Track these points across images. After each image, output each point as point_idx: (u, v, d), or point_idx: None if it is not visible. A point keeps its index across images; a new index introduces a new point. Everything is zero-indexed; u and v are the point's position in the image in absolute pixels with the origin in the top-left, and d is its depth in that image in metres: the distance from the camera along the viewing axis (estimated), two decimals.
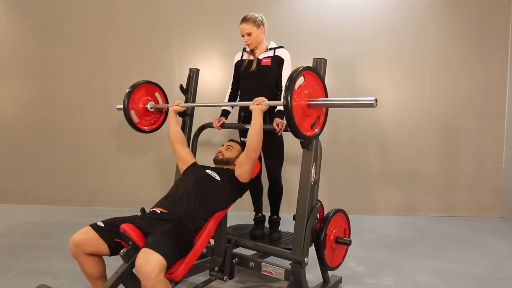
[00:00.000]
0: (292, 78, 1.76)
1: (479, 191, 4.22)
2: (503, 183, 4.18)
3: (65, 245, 2.84)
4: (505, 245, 3.30)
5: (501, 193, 4.20)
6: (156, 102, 2.73)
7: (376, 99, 1.70)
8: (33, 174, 4.51)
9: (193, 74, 2.80)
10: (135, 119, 2.63)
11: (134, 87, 2.60)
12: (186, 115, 2.73)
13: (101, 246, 1.84)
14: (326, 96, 1.98)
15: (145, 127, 2.71)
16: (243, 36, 2.61)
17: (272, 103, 2.13)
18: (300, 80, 1.84)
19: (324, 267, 2.31)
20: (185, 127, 2.75)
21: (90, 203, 4.47)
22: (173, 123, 2.52)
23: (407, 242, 3.35)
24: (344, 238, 2.38)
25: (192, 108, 2.79)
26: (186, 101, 2.78)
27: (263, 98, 2.13)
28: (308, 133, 1.89)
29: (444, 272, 2.71)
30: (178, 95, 2.89)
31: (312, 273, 2.54)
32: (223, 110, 2.77)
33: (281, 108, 2.52)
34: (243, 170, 2.19)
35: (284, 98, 1.73)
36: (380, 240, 3.42)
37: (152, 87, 2.72)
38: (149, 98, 2.70)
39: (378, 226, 3.85)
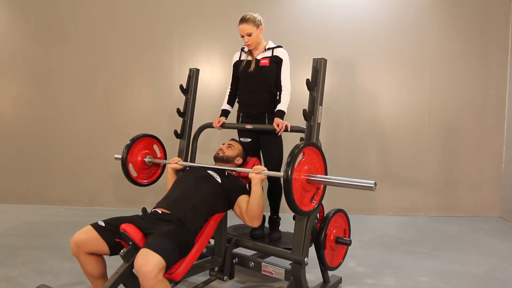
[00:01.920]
0: (294, 155, 1.77)
1: (479, 191, 4.22)
2: (503, 183, 4.18)
3: (65, 245, 2.85)
4: (505, 245, 3.30)
5: (501, 193, 4.21)
6: (154, 155, 2.70)
7: (375, 183, 1.71)
8: (33, 174, 4.51)
9: (193, 74, 2.80)
10: (133, 173, 2.59)
11: (134, 140, 2.56)
12: (187, 115, 2.73)
13: (102, 245, 1.84)
14: (326, 171, 1.98)
15: (145, 181, 2.67)
16: (242, 36, 2.61)
17: (272, 173, 2.08)
18: (301, 156, 1.84)
19: (324, 267, 2.31)
20: (185, 127, 2.75)
21: (90, 203, 4.47)
22: (172, 180, 2.45)
23: (407, 242, 3.36)
24: (344, 238, 2.38)
25: (193, 108, 2.79)
26: (186, 102, 2.78)
27: (263, 167, 2.10)
28: (306, 208, 1.90)
29: (444, 272, 2.71)
30: (178, 95, 2.89)
31: (312, 273, 2.54)
32: (223, 110, 2.77)
33: (281, 108, 2.52)
34: (238, 216, 2.18)
35: (284, 172, 1.74)
36: (380, 240, 3.42)
37: (150, 140, 2.68)
38: (147, 151, 2.65)
39: (378, 226, 3.85)
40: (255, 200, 2.07)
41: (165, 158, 2.75)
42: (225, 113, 2.76)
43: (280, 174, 1.80)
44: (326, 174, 2.00)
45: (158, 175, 2.75)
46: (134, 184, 2.62)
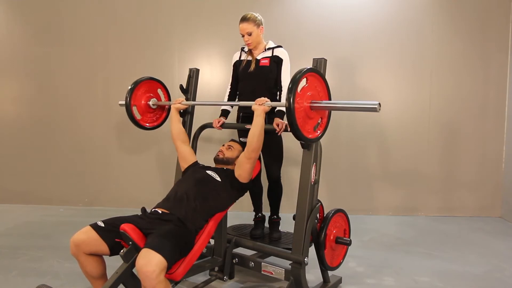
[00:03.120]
0: (295, 80, 1.75)
1: (479, 191, 4.22)
2: (503, 183, 4.18)
3: (65, 245, 2.84)
4: (505, 245, 3.30)
5: (501, 193, 4.21)
6: (159, 98, 2.72)
7: (379, 104, 1.70)
8: (33, 174, 4.51)
9: (193, 74, 2.80)
10: (137, 115, 2.62)
11: (137, 84, 2.58)
12: (187, 114, 2.73)
13: (101, 246, 1.84)
14: (330, 99, 1.97)
15: (147, 124, 2.69)
16: (243, 36, 2.61)
17: (275, 104, 2.13)
18: (303, 82, 1.83)
19: (324, 267, 2.31)
20: (185, 127, 2.74)
21: (90, 203, 4.47)
22: (175, 121, 2.51)
23: (407, 242, 3.36)
24: (344, 238, 2.38)
25: (193, 108, 2.79)
26: (187, 101, 2.78)
27: (266, 99, 2.13)
28: (310, 136, 1.89)
29: (444, 272, 2.71)
30: (178, 95, 2.89)
31: (312, 273, 2.54)
32: (223, 110, 2.77)
33: (281, 108, 2.52)
34: (242, 170, 2.20)
35: (286, 99, 1.72)
36: (380, 240, 3.42)
37: (154, 83, 2.70)
38: (151, 95, 2.68)
39: (378, 226, 3.85)
40: (256, 130, 2.11)
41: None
42: (225, 113, 2.76)
43: (283, 103, 1.79)
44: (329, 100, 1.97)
45: (163, 119, 2.78)
46: (138, 127, 2.64)
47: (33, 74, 4.47)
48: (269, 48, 2.65)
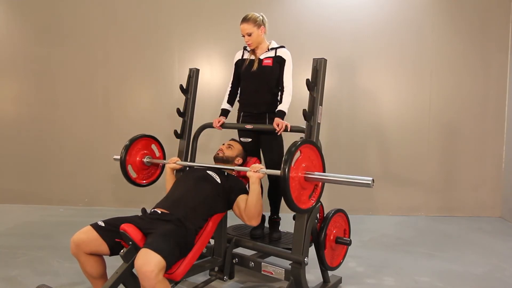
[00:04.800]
0: (290, 153, 1.77)
1: (479, 191, 4.22)
2: (503, 183, 4.18)
3: (65, 245, 2.84)
4: (505, 245, 3.30)
5: (501, 193, 4.21)
6: (153, 155, 2.69)
7: (373, 180, 1.71)
8: (33, 174, 4.51)
9: (193, 74, 2.80)
10: (132, 174, 2.59)
11: (132, 141, 2.56)
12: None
13: (102, 246, 1.84)
14: (324, 169, 1.98)
15: (144, 181, 2.67)
16: (243, 36, 2.60)
17: (270, 172, 2.08)
18: (298, 154, 1.84)
19: (324, 267, 2.31)
20: (185, 127, 2.75)
21: (90, 203, 4.47)
22: (171, 180, 2.46)
23: (407, 242, 3.35)
24: (344, 238, 2.38)
25: (193, 108, 2.79)
26: (186, 101, 2.78)
27: (261, 166, 2.11)
28: (304, 206, 1.89)
29: (444, 272, 2.71)
30: (178, 95, 2.89)
31: (312, 273, 2.54)
32: (223, 110, 2.76)
33: (281, 108, 2.52)
34: (237, 215, 2.18)
35: (281, 170, 1.74)
36: (380, 240, 3.42)
37: (149, 140, 2.68)
38: (146, 152, 2.65)
39: (378, 226, 3.85)
40: (253, 198, 2.07)
41: (164, 158, 2.75)
42: (225, 112, 2.75)
43: (278, 172, 1.79)
44: (324, 172, 1.99)
45: (157, 175, 2.75)
46: (134, 184, 2.62)
47: (33, 74, 4.46)
48: (272, 48, 2.64)
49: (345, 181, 1.84)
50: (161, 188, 2.52)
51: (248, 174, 2.09)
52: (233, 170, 2.32)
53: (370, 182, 1.72)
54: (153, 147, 2.72)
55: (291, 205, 1.80)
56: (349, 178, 1.83)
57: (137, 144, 2.60)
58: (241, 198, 2.16)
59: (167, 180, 2.48)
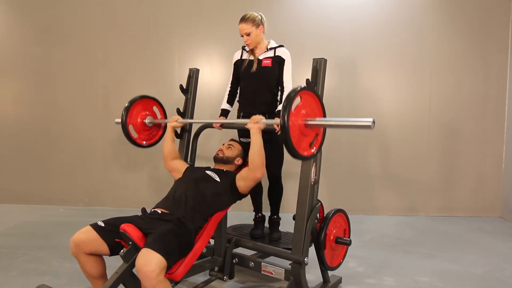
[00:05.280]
0: (289, 99, 1.75)
1: (479, 191, 4.22)
2: (503, 183, 4.18)
3: (65, 245, 2.84)
4: (505, 245, 3.30)
5: (501, 193, 4.21)
6: (154, 116, 2.71)
7: (373, 121, 1.70)
8: (33, 174, 4.51)
9: (193, 74, 2.80)
10: (134, 134, 2.61)
11: (132, 102, 2.57)
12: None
13: (101, 246, 1.84)
14: (324, 115, 1.96)
15: (144, 142, 2.69)
16: (242, 36, 2.60)
17: (270, 121, 2.11)
18: (298, 100, 1.82)
19: (324, 267, 2.31)
20: (185, 127, 2.75)
21: (90, 203, 4.47)
22: (169, 140, 2.49)
23: (407, 242, 3.35)
24: (344, 238, 2.38)
25: (192, 108, 2.79)
26: (186, 101, 2.78)
27: (261, 116, 2.11)
28: (306, 153, 1.87)
29: (444, 272, 2.71)
30: (178, 95, 2.89)
31: (312, 273, 2.54)
32: (222, 110, 2.76)
33: (281, 108, 2.52)
34: (245, 186, 2.17)
35: (281, 117, 1.72)
36: (380, 240, 3.42)
37: (150, 101, 2.69)
38: (147, 112, 2.66)
39: (378, 226, 3.85)
40: (255, 149, 2.08)
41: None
42: (224, 112, 2.75)
43: (277, 121, 1.78)
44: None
45: (159, 136, 2.77)
46: (135, 145, 2.64)
47: (33, 74, 4.47)
48: (271, 48, 2.64)
49: (346, 125, 1.86)
50: (162, 189, 2.52)
51: (248, 126, 2.11)
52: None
53: (370, 123, 1.70)
54: (154, 108, 2.73)
55: (292, 152, 1.77)
56: (349, 121, 1.83)
57: (138, 105, 2.61)
58: (241, 171, 2.20)
59: (165, 139, 2.51)
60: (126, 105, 2.56)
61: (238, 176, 2.19)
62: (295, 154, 1.78)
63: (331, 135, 4.14)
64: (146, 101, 2.67)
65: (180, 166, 2.44)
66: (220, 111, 2.77)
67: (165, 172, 4.33)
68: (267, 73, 2.61)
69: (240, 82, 2.75)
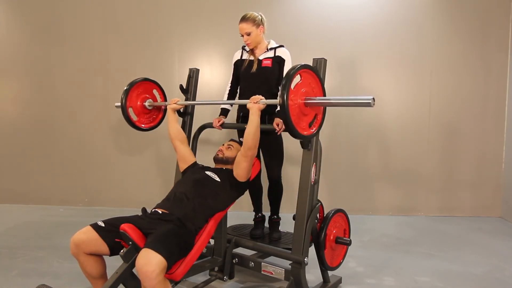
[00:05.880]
0: (289, 76, 1.74)
1: (479, 191, 4.22)
2: (503, 183, 4.18)
3: (65, 245, 2.84)
4: (505, 245, 3.30)
5: (501, 193, 4.20)
6: (154, 99, 2.71)
7: (373, 98, 1.69)
8: (33, 174, 4.51)
9: (193, 74, 2.80)
10: (133, 117, 2.61)
11: (132, 85, 2.57)
12: (186, 114, 2.72)
13: (101, 246, 1.84)
14: (324, 95, 1.95)
15: (143, 125, 2.69)
16: (242, 35, 2.60)
17: (270, 101, 2.11)
18: (297, 79, 1.82)
19: (324, 267, 2.31)
20: (185, 127, 2.74)
21: (90, 203, 4.47)
22: (173, 121, 2.50)
23: (407, 242, 3.35)
24: (344, 238, 2.38)
25: (192, 108, 2.79)
26: (186, 101, 2.78)
27: (261, 97, 2.12)
28: (306, 133, 1.86)
29: (444, 272, 2.71)
30: (178, 95, 2.89)
31: (312, 273, 2.54)
32: (222, 109, 2.76)
33: None
34: (240, 169, 2.19)
35: (280, 96, 1.71)
36: (380, 240, 3.42)
37: (150, 84, 2.69)
38: (147, 95, 2.67)
39: (378, 226, 3.85)
40: (252, 128, 2.09)
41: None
42: (224, 112, 2.75)
43: (277, 101, 1.78)
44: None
45: (159, 119, 2.77)
46: (135, 128, 2.63)
47: (33, 74, 4.47)
48: (271, 48, 2.64)
49: (345, 103, 1.85)
50: (161, 188, 2.52)
51: (248, 105, 2.12)
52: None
53: (370, 101, 1.70)
54: (155, 92, 2.73)
55: (292, 131, 1.77)
56: (349, 99, 1.83)
57: (138, 88, 2.61)
58: (235, 160, 2.23)
59: (169, 122, 2.50)
60: (126, 87, 2.55)
61: (234, 166, 2.23)
62: (294, 133, 1.77)
63: (331, 135, 4.16)
64: (146, 83, 2.67)
65: (187, 156, 2.43)
66: (220, 111, 2.77)
67: (165, 172, 4.35)
68: (267, 73, 2.61)
69: (240, 82, 2.75)
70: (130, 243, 1.79)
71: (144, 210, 2.00)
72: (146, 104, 2.65)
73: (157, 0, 4.29)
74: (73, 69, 4.41)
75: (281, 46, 2.65)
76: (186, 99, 2.78)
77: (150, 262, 1.59)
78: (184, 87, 2.76)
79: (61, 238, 3.31)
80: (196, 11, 4.26)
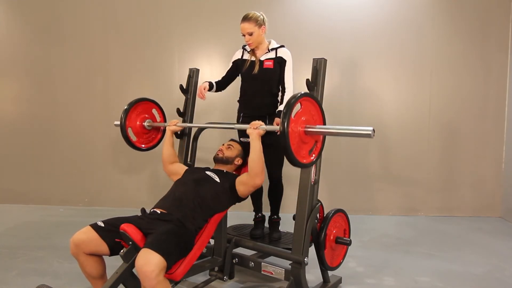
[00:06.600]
0: (289, 105, 1.74)
1: (479, 191, 4.22)
2: (503, 183, 4.18)
3: (65, 245, 2.84)
4: (505, 245, 3.30)
5: (501, 193, 4.20)
6: (154, 119, 2.69)
7: (373, 130, 1.70)
8: (33, 174, 4.51)
9: (193, 74, 2.80)
10: (133, 137, 2.60)
11: (132, 105, 2.56)
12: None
13: (101, 246, 1.84)
14: (324, 123, 1.96)
15: (143, 145, 2.68)
16: (243, 35, 2.58)
17: (269, 127, 2.08)
18: (298, 107, 1.81)
19: (324, 267, 2.31)
20: (185, 128, 2.75)
21: (90, 203, 4.47)
22: (168, 144, 2.49)
23: (407, 242, 3.35)
24: (344, 238, 2.38)
25: (192, 109, 2.79)
26: (186, 101, 2.78)
27: (260, 122, 2.10)
28: (305, 161, 1.87)
29: (444, 272, 2.71)
30: (178, 95, 2.89)
31: (312, 273, 2.54)
32: (209, 82, 2.67)
33: (282, 108, 2.50)
34: (245, 191, 2.16)
35: (280, 124, 1.71)
36: (380, 240, 3.42)
37: (149, 104, 2.68)
38: (146, 115, 2.65)
39: (378, 226, 3.85)
40: (255, 155, 2.06)
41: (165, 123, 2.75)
42: (209, 83, 2.65)
43: (277, 127, 1.78)
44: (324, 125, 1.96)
45: (158, 140, 2.76)
46: (134, 148, 2.63)
47: (33, 74, 4.47)
48: (272, 49, 2.63)
49: (346, 133, 1.84)
50: (162, 189, 2.52)
51: (248, 131, 2.10)
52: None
53: (370, 132, 1.71)
54: (154, 111, 2.72)
55: (291, 159, 1.77)
56: (349, 129, 1.82)
57: (137, 108, 2.60)
58: (241, 176, 2.18)
59: (164, 143, 2.50)
60: (125, 107, 2.54)
61: (237, 181, 2.17)
62: (294, 161, 1.78)
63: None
64: (145, 103, 2.66)
65: (179, 169, 2.43)
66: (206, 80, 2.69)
67: (165, 172, 4.32)
68: (269, 75, 2.60)
69: (241, 82, 2.74)
70: (130, 243, 1.79)
71: (143, 210, 2.00)
72: (145, 124, 2.64)
73: (157, 0, 4.29)
74: (73, 69, 4.41)
75: (282, 46, 2.65)
76: (186, 99, 2.78)
77: (149, 262, 1.59)
78: (184, 87, 2.76)
79: (61, 238, 3.31)
80: (196, 11, 4.26)
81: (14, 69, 4.50)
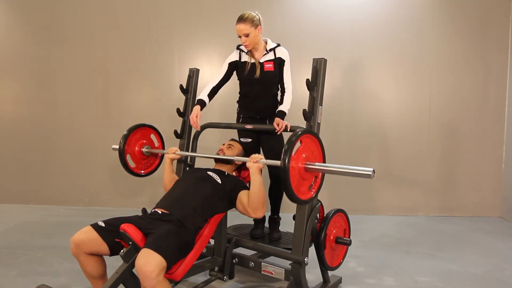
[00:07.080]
0: (290, 143, 1.76)
1: (479, 191, 4.22)
2: (503, 183, 4.18)
3: (65, 245, 2.84)
4: (505, 245, 3.30)
5: (501, 193, 4.20)
6: (152, 145, 2.68)
7: (373, 170, 1.71)
8: (33, 174, 4.51)
9: (193, 74, 2.80)
10: (131, 164, 2.59)
11: (131, 131, 2.55)
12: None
13: (102, 246, 1.84)
14: (324, 160, 1.97)
15: (142, 171, 2.67)
16: (239, 36, 2.56)
17: (270, 162, 2.06)
18: (298, 144, 1.83)
19: (324, 267, 2.32)
20: (185, 127, 2.75)
21: (90, 203, 4.47)
22: (169, 171, 2.46)
23: (407, 242, 3.36)
24: (344, 238, 2.38)
25: (192, 108, 2.78)
26: (186, 102, 2.78)
27: (260, 156, 2.08)
28: (304, 197, 1.88)
29: (444, 272, 2.71)
30: (178, 95, 2.89)
31: (312, 273, 2.54)
32: (200, 100, 2.57)
33: (281, 108, 2.51)
34: (243, 212, 2.14)
35: (282, 161, 1.73)
36: (380, 240, 3.42)
37: (147, 130, 2.67)
38: (145, 141, 2.64)
39: (378, 226, 3.85)
40: (255, 188, 2.04)
41: (163, 148, 2.74)
42: (201, 102, 2.55)
43: (278, 162, 1.79)
44: (324, 162, 1.97)
45: (156, 165, 2.76)
46: (132, 174, 2.62)
47: (33, 74, 4.47)
48: (270, 49, 2.61)
49: (345, 172, 1.84)
50: (162, 188, 2.52)
51: (248, 165, 2.08)
52: (233, 161, 2.33)
53: (370, 172, 1.72)
54: (152, 137, 2.71)
55: (291, 196, 1.78)
56: (349, 168, 1.83)
57: (136, 134, 2.59)
58: (243, 194, 2.14)
59: (165, 171, 2.47)
60: (125, 133, 2.53)
61: (239, 197, 2.14)
62: (294, 198, 1.80)
63: (331, 134, 4.16)
64: (144, 129, 2.65)
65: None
66: (196, 101, 2.60)
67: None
68: (270, 78, 2.58)
69: (242, 85, 2.71)
70: (130, 243, 1.79)
71: (144, 210, 2.00)
72: (144, 150, 2.62)
73: (157, 0, 4.29)
74: (73, 69, 4.41)
75: (278, 45, 2.62)
76: (186, 99, 2.78)
77: (149, 262, 1.59)
78: (184, 87, 2.76)
79: (61, 238, 3.31)
80: (196, 11, 4.26)
81: (14, 69, 4.50)
